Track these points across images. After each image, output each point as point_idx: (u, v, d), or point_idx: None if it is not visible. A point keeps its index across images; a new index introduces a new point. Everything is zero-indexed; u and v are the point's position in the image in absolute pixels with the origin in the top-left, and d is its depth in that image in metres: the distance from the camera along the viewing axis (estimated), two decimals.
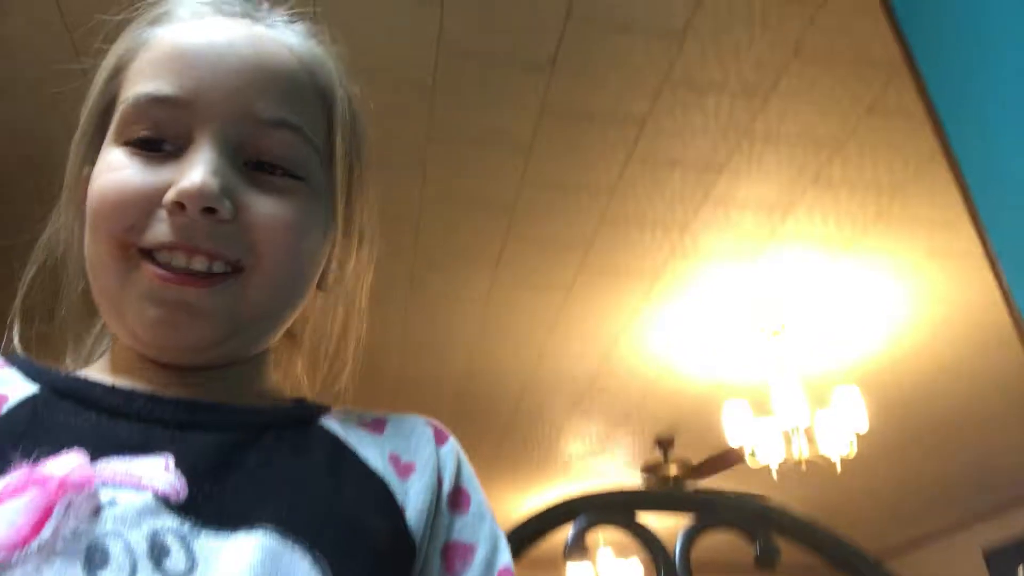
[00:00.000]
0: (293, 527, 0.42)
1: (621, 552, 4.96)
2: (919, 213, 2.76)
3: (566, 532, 0.77)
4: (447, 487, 0.53)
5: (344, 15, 1.91)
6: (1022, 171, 1.31)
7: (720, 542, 0.83)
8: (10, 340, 0.53)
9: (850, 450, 3.36)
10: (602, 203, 2.70)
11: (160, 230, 0.46)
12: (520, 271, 3.02)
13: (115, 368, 0.51)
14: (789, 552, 0.79)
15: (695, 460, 3.99)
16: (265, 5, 0.56)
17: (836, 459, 3.37)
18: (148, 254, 0.46)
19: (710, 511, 0.80)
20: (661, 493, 0.93)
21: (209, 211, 0.46)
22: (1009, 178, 1.34)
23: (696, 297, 3.21)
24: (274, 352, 0.58)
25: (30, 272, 0.55)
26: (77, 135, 0.54)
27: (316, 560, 0.41)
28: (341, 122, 0.54)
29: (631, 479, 4.52)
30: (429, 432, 0.56)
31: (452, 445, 0.57)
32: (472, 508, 0.54)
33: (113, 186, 0.47)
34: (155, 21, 0.52)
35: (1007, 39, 1.38)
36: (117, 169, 0.47)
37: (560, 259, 2.98)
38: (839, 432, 3.35)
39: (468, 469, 0.57)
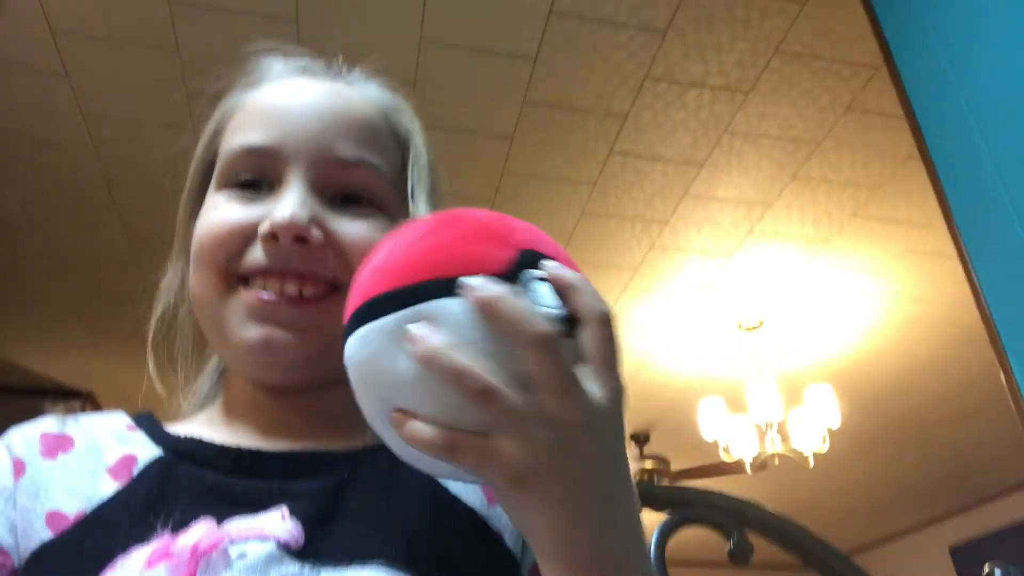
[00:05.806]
0: (400, 561, 0.46)
1: None
2: (895, 213, 2.79)
3: None
4: None
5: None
6: (996, 174, 1.33)
7: (693, 536, 0.83)
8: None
9: (822, 445, 3.40)
10: (582, 196, 2.70)
11: (256, 257, 0.52)
12: None
13: (228, 411, 0.57)
14: (761, 547, 0.79)
15: (670, 456, 4.01)
16: (345, 66, 0.63)
17: (808, 454, 3.41)
18: (245, 281, 0.52)
19: (685, 507, 0.81)
20: (637, 488, 0.93)
21: (300, 240, 0.51)
22: (984, 181, 1.35)
23: (674, 292, 3.23)
24: None
25: (156, 313, 0.60)
26: (184, 193, 0.60)
27: None
28: (416, 161, 0.60)
29: None
30: None
31: None
32: None
33: (215, 222, 0.53)
34: (248, 86, 0.60)
35: (986, 42, 1.40)
36: (219, 208, 0.54)
37: None
38: (812, 428, 3.39)
39: None
